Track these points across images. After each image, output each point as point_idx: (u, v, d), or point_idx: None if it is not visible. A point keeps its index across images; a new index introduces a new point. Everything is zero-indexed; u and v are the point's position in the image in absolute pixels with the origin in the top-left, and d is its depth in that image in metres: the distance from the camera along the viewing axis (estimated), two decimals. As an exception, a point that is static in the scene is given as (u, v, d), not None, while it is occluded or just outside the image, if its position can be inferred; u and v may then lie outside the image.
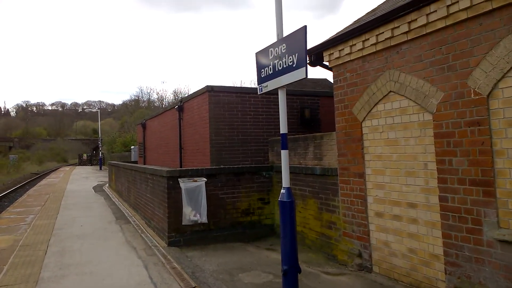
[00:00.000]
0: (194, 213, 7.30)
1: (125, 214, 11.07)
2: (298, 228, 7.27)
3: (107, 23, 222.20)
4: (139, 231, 8.69)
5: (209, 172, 7.66)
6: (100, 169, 39.56)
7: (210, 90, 9.19)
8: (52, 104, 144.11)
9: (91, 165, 53.73)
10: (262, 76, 5.26)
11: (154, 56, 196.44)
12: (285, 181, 4.87)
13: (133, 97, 69.93)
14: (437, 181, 4.49)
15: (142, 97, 66.04)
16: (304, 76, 4.35)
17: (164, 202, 7.48)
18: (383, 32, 5.10)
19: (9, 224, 9.62)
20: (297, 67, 4.46)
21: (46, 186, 21.62)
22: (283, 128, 4.96)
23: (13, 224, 9.67)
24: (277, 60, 4.88)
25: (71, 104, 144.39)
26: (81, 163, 59.04)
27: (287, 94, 9.90)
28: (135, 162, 20.64)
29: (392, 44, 5.04)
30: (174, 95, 55.78)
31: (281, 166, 8.13)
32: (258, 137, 9.63)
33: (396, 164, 5.01)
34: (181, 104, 11.26)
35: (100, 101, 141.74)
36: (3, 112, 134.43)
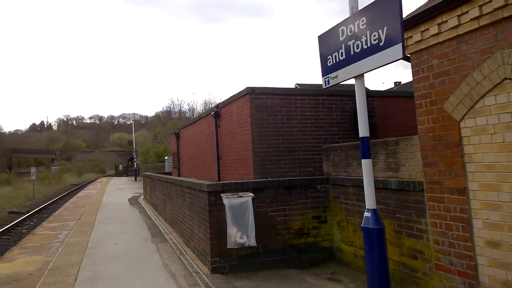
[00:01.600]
0: (240, 234, 6.22)
1: (161, 230, 10.20)
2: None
3: (137, 40, 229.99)
4: (177, 252, 7.73)
5: (255, 185, 6.57)
6: (135, 180, 39.67)
7: (251, 92, 8.15)
8: (91, 118, 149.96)
9: (126, 176, 54.43)
10: (329, 64, 4.13)
11: (184, 69, 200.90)
12: (370, 201, 3.70)
13: (165, 108, 70.70)
14: None
15: (174, 108, 66.66)
16: (401, 56, 3.19)
17: (205, 221, 6.46)
18: (490, 1, 3.83)
19: (41, 242, 8.97)
20: (387, 45, 3.30)
21: (83, 198, 21.43)
22: (364, 130, 3.80)
23: (46, 241, 9.02)
24: (353, 40, 3.75)
25: (107, 117, 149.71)
26: (117, 174, 60.03)
27: (336, 95, 8.77)
28: (169, 173, 19.98)
29: (505, 16, 3.77)
30: (204, 105, 55.73)
31: (339, 178, 6.97)
32: (306, 145, 8.45)
33: (519, 177, 3.69)
34: (218, 110, 10.31)
35: (134, 113, 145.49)
36: (46, 126, 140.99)
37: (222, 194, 6.30)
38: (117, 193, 23.67)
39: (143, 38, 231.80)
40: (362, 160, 3.84)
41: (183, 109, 62.69)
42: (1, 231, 13.46)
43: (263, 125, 8.13)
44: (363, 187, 6.07)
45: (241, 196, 6.30)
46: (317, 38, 4.34)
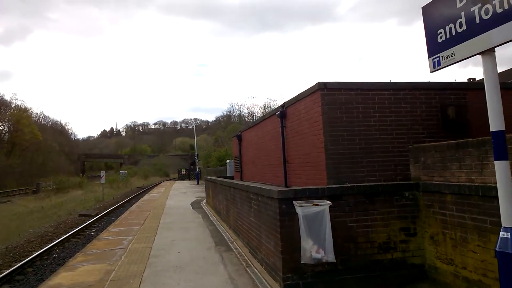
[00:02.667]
0: (316, 248, 5.43)
1: (225, 237, 9.73)
2: (473, 276, 4.93)
3: (197, 49, 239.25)
4: (244, 263, 7.14)
5: (332, 192, 5.76)
6: (197, 183, 40.39)
7: (322, 88, 7.34)
8: (155, 124, 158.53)
9: (189, 180, 55.89)
10: (440, 40, 3.23)
11: (244, 74, 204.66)
12: (508, 217, 2.74)
13: (225, 113, 71.87)
14: None
15: (234, 113, 67.42)
16: None
17: (276, 231, 5.77)
18: None
19: (105, 248, 8.91)
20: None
21: (147, 201, 21.97)
22: (497, 122, 2.84)
23: (109, 247, 8.95)
24: (479, 4, 2.83)
25: (170, 122, 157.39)
26: (180, 177, 61.96)
27: (421, 89, 7.61)
28: (231, 177, 19.72)
29: None
30: (264, 109, 55.55)
31: (432, 184, 5.77)
32: (386, 146, 7.44)
33: None
34: (284, 110, 9.62)
35: (196, 118, 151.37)
36: (115, 133, 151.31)
37: (294, 202, 5.57)
38: (180, 197, 24.01)
39: (203, 47, 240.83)
40: (496, 162, 2.89)
41: (243, 113, 63.26)
42: (71, 234, 13.98)
43: (336, 124, 7.28)
44: (465, 194, 5.05)
45: (317, 205, 5.52)
46: (420, 9, 3.46)
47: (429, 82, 7.81)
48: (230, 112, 67.98)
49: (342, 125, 7.31)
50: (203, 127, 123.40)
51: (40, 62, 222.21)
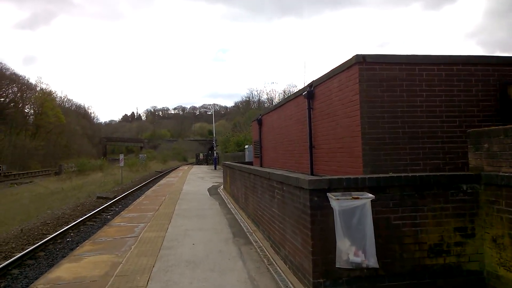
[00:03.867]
0: (354, 249, 4.52)
1: (244, 228, 8.92)
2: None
3: (215, 33, 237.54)
4: (265, 260, 6.30)
5: (374, 183, 4.80)
6: (215, 168, 39.92)
7: (361, 62, 6.30)
8: (175, 109, 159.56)
9: (206, 164, 55.63)
10: None
11: (263, 59, 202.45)
12: None
13: (244, 98, 70.77)
14: None
15: (253, 98, 66.34)
16: None
17: (305, 227, 4.88)
18: None
19: (115, 236, 8.25)
20: None
21: (164, 186, 21.49)
22: None
23: (120, 235, 8.28)
24: None
25: (190, 107, 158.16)
26: (198, 162, 61.88)
27: (477, 64, 6.22)
28: (250, 163, 18.91)
29: None
30: (283, 95, 54.25)
31: (499, 176, 4.26)
32: (434, 130, 6.38)
33: None
34: (311, 90, 8.61)
35: (215, 104, 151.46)
36: (136, 117, 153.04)
37: (329, 194, 4.64)
38: (197, 182, 23.43)
39: (223, 32, 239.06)
40: None
41: (262, 98, 62.12)
42: (87, 217, 13.56)
43: (376, 105, 6.27)
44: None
45: (357, 198, 4.58)
46: None
47: (487, 56, 6.67)
48: (249, 98, 66.86)
49: (383, 106, 6.30)
50: (222, 113, 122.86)
51: (64, 47, 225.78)
